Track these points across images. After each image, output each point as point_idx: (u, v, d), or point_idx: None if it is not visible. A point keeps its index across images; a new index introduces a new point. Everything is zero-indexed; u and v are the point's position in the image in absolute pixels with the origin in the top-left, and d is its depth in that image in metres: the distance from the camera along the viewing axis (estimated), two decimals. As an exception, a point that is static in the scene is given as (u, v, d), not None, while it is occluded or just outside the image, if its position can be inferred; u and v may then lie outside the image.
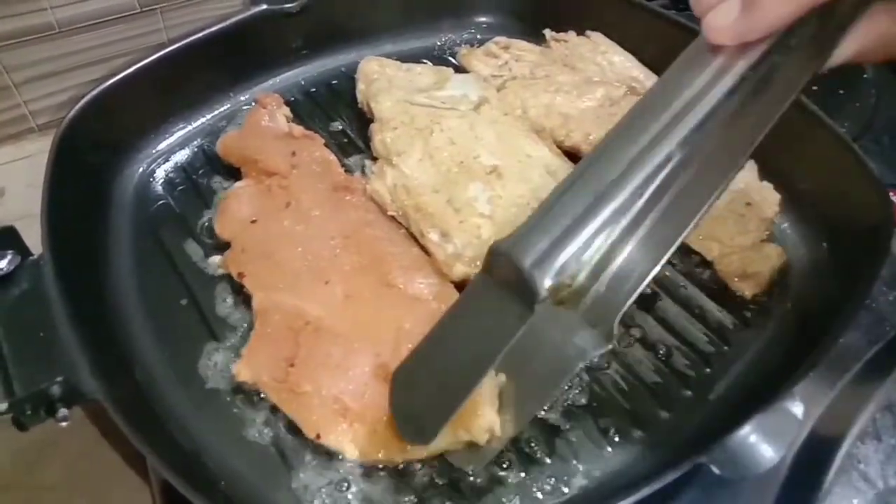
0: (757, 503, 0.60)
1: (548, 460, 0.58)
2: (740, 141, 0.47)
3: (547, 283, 0.47)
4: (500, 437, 0.56)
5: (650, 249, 0.48)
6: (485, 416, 0.54)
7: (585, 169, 0.50)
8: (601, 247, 0.47)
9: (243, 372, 0.60)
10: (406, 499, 0.55)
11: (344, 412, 0.56)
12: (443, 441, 0.55)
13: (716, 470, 0.48)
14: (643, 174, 0.47)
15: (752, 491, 0.61)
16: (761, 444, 0.49)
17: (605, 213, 0.47)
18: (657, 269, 0.47)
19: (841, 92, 0.99)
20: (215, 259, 0.71)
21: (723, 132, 0.47)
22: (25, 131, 0.94)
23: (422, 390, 0.54)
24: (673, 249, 0.47)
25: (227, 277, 0.69)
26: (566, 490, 0.57)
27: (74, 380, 0.52)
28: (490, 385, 0.56)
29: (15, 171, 0.90)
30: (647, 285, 0.48)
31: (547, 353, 0.52)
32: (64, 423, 0.51)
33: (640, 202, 0.47)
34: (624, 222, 0.47)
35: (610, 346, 0.49)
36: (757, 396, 0.56)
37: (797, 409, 0.52)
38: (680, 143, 0.47)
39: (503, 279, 0.50)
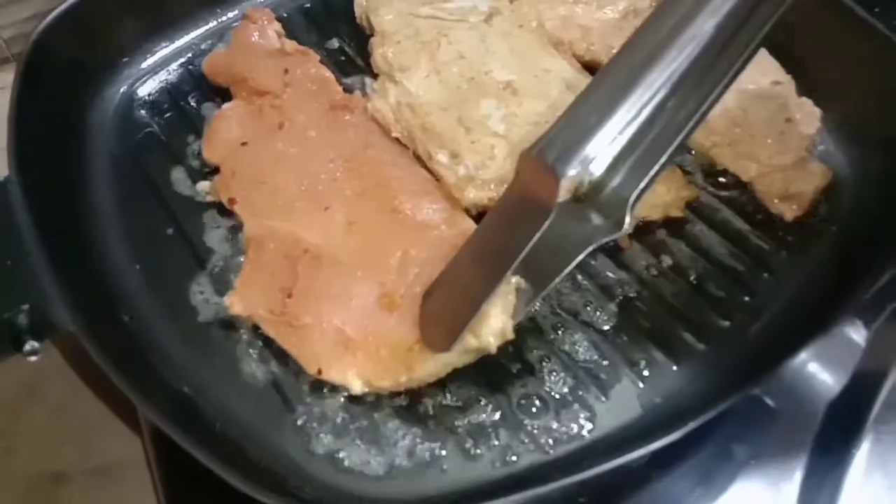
0: (795, 437, 0.57)
1: (573, 398, 0.54)
2: (748, 31, 0.51)
3: (570, 173, 0.49)
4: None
5: (664, 141, 0.50)
6: (494, 320, 0.50)
7: (607, 71, 0.53)
8: (621, 140, 0.50)
9: (236, 304, 0.55)
10: (414, 429, 0.52)
11: (346, 343, 0.52)
12: (452, 354, 0.51)
13: (770, 402, 0.43)
14: (661, 72, 0.50)
15: (788, 423, 0.57)
16: (821, 374, 0.43)
17: (625, 109, 0.50)
18: (670, 151, 0.49)
19: (877, 10, 0.91)
20: (204, 185, 0.65)
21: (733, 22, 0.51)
22: (1, 61, 0.87)
23: (448, 299, 0.53)
24: (685, 134, 0.50)
25: (217, 205, 0.64)
26: (592, 429, 0.52)
27: (42, 309, 0.46)
28: (500, 290, 0.51)
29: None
30: (662, 170, 0.49)
31: (555, 243, 0.51)
32: (33, 358, 0.45)
33: (658, 98, 0.50)
34: (642, 117, 0.50)
35: (621, 232, 0.49)
36: (805, 325, 0.51)
37: (857, 334, 0.46)
38: (694, 37, 0.50)
39: (529, 179, 0.51)
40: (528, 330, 0.57)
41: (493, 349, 0.51)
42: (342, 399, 0.53)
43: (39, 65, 0.66)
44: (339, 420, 0.52)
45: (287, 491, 0.47)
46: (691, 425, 0.44)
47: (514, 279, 0.52)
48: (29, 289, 0.48)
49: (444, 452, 0.51)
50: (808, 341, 0.45)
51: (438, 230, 0.59)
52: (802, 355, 0.44)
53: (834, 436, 0.57)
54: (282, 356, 0.55)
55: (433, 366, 0.52)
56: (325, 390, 0.53)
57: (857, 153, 0.66)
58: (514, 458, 0.51)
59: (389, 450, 0.51)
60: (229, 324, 0.56)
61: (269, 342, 0.55)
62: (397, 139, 0.67)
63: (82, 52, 0.71)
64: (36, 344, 0.46)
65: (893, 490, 0.55)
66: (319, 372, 0.51)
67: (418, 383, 0.53)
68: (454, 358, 0.52)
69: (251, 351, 0.55)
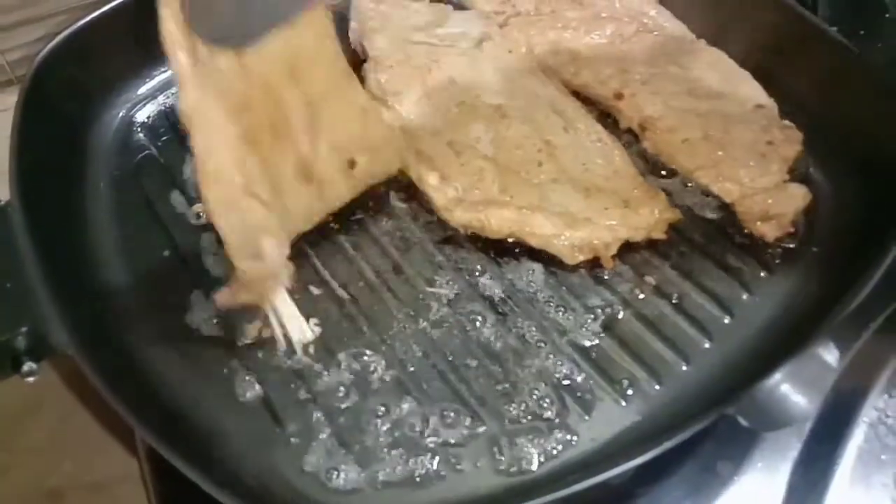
0: (778, 456, 0.58)
1: (555, 416, 0.55)
2: None
3: None
4: None
5: None
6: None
7: None
8: None
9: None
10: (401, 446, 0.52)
11: None
12: None
13: (744, 422, 0.44)
14: None
15: (773, 443, 0.58)
16: (793, 395, 0.44)
17: None
18: None
19: (861, 33, 0.93)
20: (199, 207, 0.66)
21: None
22: (4, 83, 0.88)
23: None
24: None
25: (213, 227, 0.64)
26: (576, 445, 0.53)
27: (42, 331, 0.48)
28: None
29: (-5, 123, 0.85)
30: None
31: None
32: (31, 379, 0.47)
33: None
34: None
35: None
36: (784, 345, 0.52)
37: (830, 356, 0.47)
38: None
39: None
40: (511, 349, 0.58)
41: None
42: (330, 416, 0.54)
43: (42, 88, 0.67)
44: (327, 437, 0.53)
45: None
46: (667, 444, 0.45)
47: None
48: (27, 311, 0.49)
49: (431, 469, 0.52)
50: (782, 362, 0.46)
51: None
52: (776, 376, 0.45)
53: (816, 453, 0.58)
54: (275, 374, 0.56)
55: None
56: (314, 410, 0.54)
57: (837, 175, 0.67)
58: (498, 475, 0.52)
59: (376, 465, 0.52)
60: (224, 344, 0.58)
61: (263, 363, 0.56)
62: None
63: (84, 76, 0.73)
64: (34, 365, 0.47)
65: (874, 506, 0.56)
66: None
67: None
68: None
69: (244, 371, 0.56)
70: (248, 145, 0.54)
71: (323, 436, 0.53)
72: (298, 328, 0.57)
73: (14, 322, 0.48)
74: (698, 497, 0.57)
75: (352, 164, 0.63)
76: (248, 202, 0.53)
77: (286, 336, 0.57)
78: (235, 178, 0.52)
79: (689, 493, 0.57)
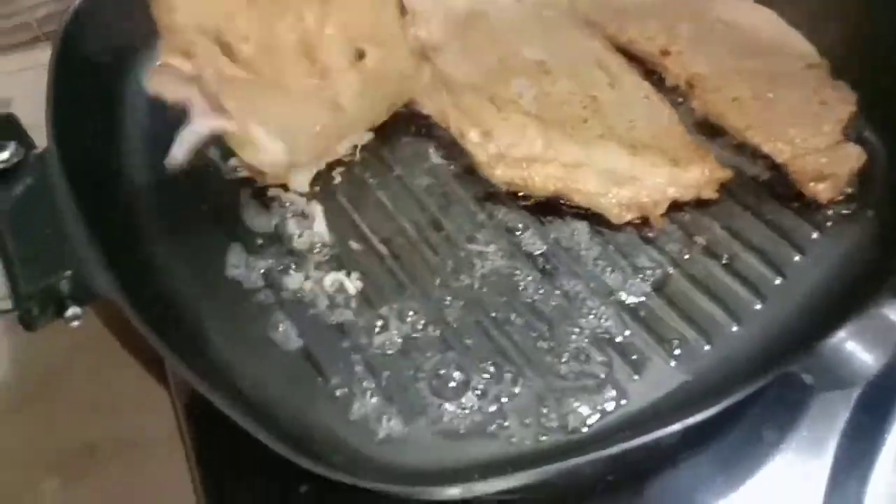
0: (825, 426, 0.56)
1: (605, 376, 0.53)
2: None
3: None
4: None
5: None
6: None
7: None
8: None
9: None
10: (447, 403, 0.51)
11: None
12: None
13: (808, 380, 0.43)
14: None
15: (820, 411, 0.57)
16: (860, 353, 0.43)
17: None
18: None
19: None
20: (236, 160, 0.65)
21: None
22: (32, 40, 0.88)
23: None
24: None
25: (251, 181, 0.64)
26: (625, 405, 0.52)
27: (84, 275, 0.47)
28: None
29: (23, 81, 0.84)
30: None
31: None
32: (75, 323, 0.46)
33: None
34: None
35: None
36: (841, 306, 0.51)
37: (895, 315, 0.46)
38: None
39: None
40: (557, 307, 0.57)
41: None
42: (373, 369, 0.54)
43: (77, 39, 0.66)
44: (371, 390, 0.53)
45: (319, 456, 0.47)
46: (724, 403, 0.44)
47: None
48: (70, 256, 0.48)
49: (477, 423, 0.51)
50: (846, 320, 0.44)
51: None
52: (841, 334, 0.44)
53: (865, 422, 0.56)
54: (316, 327, 0.55)
55: None
56: (356, 364, 0.54)
57: (892, 136, 0.65)
58: (544, 435, 0.51)
59: (421, 419, 0.52)
60: (262, 294, 0.57)
61: (301, 313, 0.55)
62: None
63: (119, 28, 0.71)
64: (78, 310, 0.46)
65: (925, 475, 0.54)
66: None
67: None
68: None
69: (284, 321, 0.56)
70: None
71: (367, 388, 0.53)
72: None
73: (58, 266, 0.48)
74: (742, 463, 0.56)
75: (360, 54, 0.59)
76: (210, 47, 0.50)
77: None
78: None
79: (733, 458, 0.56)
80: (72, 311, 0.46)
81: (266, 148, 0.54)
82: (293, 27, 0.56)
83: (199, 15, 0.50)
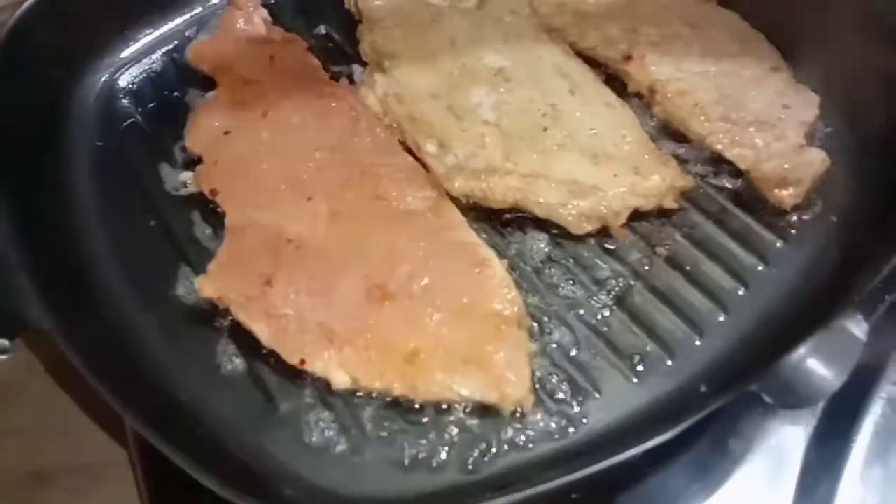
0: (793, 434, 0.55)
1: (565, 394, 0.52)
2: None
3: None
4: None
5: None
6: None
7: None
8: None
9: (206, 287, 0.54)
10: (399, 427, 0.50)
11: (330, 336, 0.50)
12: (465, 387, 0.49)
13: (768, 399, 0.42)
14: None
15: (787, 420, 0.56)
16: (820, 369, 0.42)
17: None
18: None
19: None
20: (186, 175, 0.63)
21: None
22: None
23: None
24: None
25: (202, 198, 0.62)
26: (586, 425, 0.51)
27: (15, 305, 0.44)
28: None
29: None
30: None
31: None
32: (3, 357, 0.44)
33: None
34: None
35: None
36: (803, 318, 0.49)
37: (858, 328, 0.44)
38: None
39: None
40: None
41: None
42: (323, 394, 0.52)
43: (18, 52, 0.64)
44: (321, 418, 0.51)
45: (266, 491, 0.45)
46: (685, 424, 0.42)
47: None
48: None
49: (432, 452, 0.50)
50: (807, 336, 0.43)
51: (424, 218, 0.57)
52: (801, 350, 0.43)
53: (832, 430, 0.56)
54: (263, 352, 0.53)
55: (436, 386, 0.50)
56: (305, 389, 0.52)
57: (856, 141, 0.64)
58: (497, 457, 0.50)
59: (372, 446, 0.50)
60: (210, 318, 0.55)
61: (249, 339, 0.53)
62: (387, 127, 0.65)
63: (62, 40, 0.70)
64: (6, 342, 0.44)
65: (891, 483, 0.53)
66: (302, 362, 0.50)
67: (415, 396, 0.50)
68: (467, 391, 0.50)
69: (231, 347, 0.54)
70: None
71: (319, 416, 0.51)
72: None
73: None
74: (709, 476, 0.55)
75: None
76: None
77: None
78: None
79: (700, 471, 0.55)
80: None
81: None
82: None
83: None
